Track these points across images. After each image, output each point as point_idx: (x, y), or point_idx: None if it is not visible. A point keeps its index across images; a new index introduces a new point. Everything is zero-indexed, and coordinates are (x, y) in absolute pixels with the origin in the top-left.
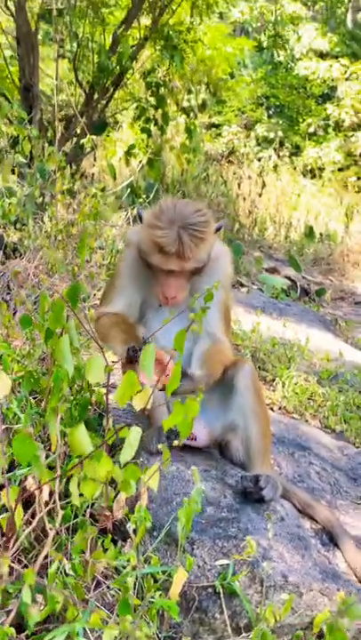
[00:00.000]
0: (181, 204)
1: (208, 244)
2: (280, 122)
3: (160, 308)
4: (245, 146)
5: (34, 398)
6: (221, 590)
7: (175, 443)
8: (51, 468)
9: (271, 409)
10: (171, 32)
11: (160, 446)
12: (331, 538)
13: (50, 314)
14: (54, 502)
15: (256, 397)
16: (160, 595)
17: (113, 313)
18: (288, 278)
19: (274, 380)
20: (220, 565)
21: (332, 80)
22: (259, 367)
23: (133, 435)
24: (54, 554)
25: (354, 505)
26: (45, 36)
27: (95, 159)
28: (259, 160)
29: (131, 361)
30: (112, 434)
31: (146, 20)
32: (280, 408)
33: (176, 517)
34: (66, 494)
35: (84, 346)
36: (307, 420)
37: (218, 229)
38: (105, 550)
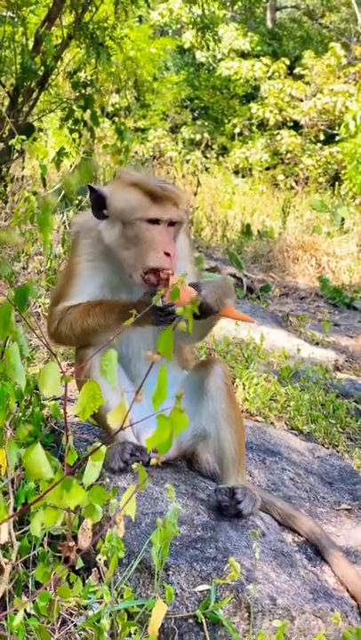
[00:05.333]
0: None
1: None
2: (205, 123)
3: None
4: (173, 149)
5: None
6: (204, 620)
7: (153, 461)
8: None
9: None
10: (96, 29)
11: (135, 465)
12: (317, 551)
13: None
14: (9, 533)
15: (229, 400)
16: (136, 631)
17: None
18: (233, 276)
19: (233, 382)
20: (200, 592)
21: (255, 79)
22: None
23: (97, 453)
24: (19, 602)
25: (334, 512)
26: None
27: (24, 162)
28: (187, 162)
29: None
30: (74, 454)
31: (69, 19)
32: (242, 411)
33: (148, 541)
34: (20, 522)
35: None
36: (272, 423)
37: None
38: (70, 585)
